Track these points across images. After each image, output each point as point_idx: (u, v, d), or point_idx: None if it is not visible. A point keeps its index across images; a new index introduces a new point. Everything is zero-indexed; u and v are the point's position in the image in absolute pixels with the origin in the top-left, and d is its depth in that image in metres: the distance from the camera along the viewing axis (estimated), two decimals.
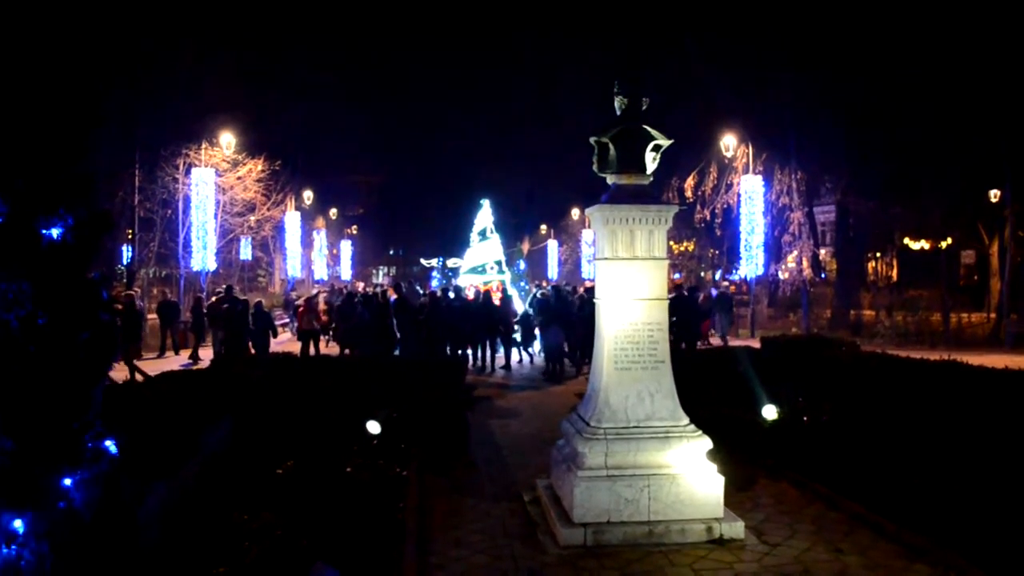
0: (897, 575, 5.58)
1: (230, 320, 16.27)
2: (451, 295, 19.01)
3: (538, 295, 18.57)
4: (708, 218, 27.68)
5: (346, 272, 49.27)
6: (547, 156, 49.39)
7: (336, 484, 6.75)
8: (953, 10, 21.56)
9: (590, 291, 19.18)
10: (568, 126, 38.61)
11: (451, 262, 29.87)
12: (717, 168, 26.73)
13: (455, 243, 37.41)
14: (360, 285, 34.31)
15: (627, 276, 6.58)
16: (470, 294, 19.32)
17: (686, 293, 18.11)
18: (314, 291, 26.59)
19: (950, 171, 24.13)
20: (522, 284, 25.24)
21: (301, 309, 17.79)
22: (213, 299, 19.12)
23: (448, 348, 16.69)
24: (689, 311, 17.12)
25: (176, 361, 18.12)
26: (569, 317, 16.54)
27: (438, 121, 61.15)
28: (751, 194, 25.20)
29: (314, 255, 42.28)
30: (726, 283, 23.59)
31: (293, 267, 36.90)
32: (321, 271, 43.34)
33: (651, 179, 6.80)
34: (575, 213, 46.80)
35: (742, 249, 25.92)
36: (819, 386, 9.86)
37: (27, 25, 3.62)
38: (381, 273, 75.28)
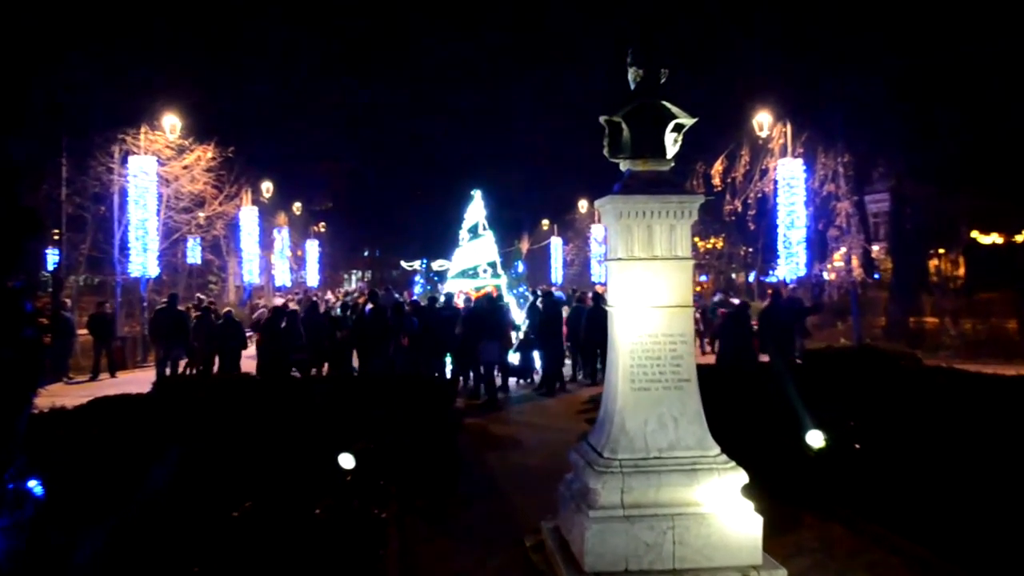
0: None
1: (272, 334, 16.27)
2: (439, 303, 19.05)
3: (476, 303, 18.55)
4: (739, 210, 27.70)
5: (312, 277, 49.27)
6: (550, 139, 49.44)
7: (303, 528, 6.74)
8: None
9: (548, 294, 19.33)
10: (575, 104, 38.67)
11: (437, 264, 29.83)
12: (750, 151, 26.76)
13: (441, 242, 37.41)
14: (341, 292, 34.34)
15: (645, 279, 6.59)
16: (459, 302, 19.33)
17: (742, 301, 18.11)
18: (278, 300, 26.56)
19: None
20: (520, 289, 25.22)
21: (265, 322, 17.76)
22: (157, 308, 19.21)
23: (436, 365, 16.74)
24: (778, 318, 16.92)
25: (112, 384, 18.11)
26: (503, 328, 16.58)
27: (421, 98, 61.16)
28: (790, 181, 25.22)
29: (275, 257, 42.25)
30: (791, 287, 23.49)
31: (250, 272, 36.86)
32: (283, 276, 43.33)
33: (672, 164, 6.82)
34: (583, 206, 46.85)
35: (780, 246, 25.92)
36: (874, 407, 9.86)
37: None
38: (354, 278, 75.28)
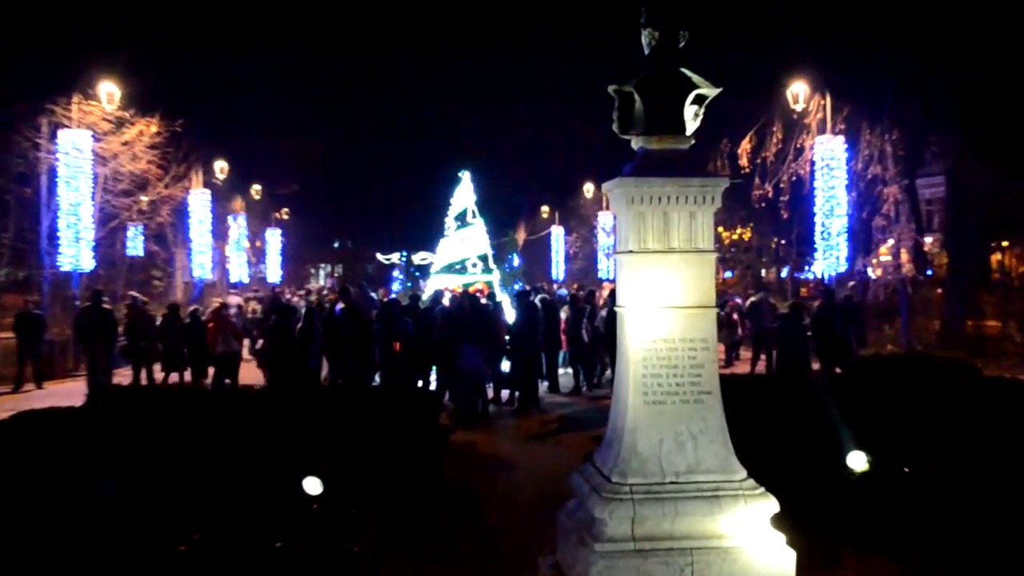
0: None
1: (283, 336, 16.26)
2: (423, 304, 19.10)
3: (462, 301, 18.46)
4: (770, 195, 27.70)
5: (274, 272, 49.24)
6: (550, 113, 49.51)
7: (261, 563, 6.73)
8: None
9: (522, 293, 19.27)
10: (580, 71, 38.72)
11: (418, 257, 29.89)
12: (783, 127, 26.76)
13: (424, 232, 37.46)
14: (301, 290, 34.30)
15: (660, 274, 6.59)
16: (447, 301, 19.36)
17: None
18: (232, 299, 26.57)
19: None
20: (516, 287, 25.24)
21: (211, 325, 17.83)
22: (81, 307, 19.30)
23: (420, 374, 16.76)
24: (835, 322, 16.82)
25: (38, 396, 18.07)
26: (488, 331, 16.49)
27: (402, 66, 61.21)
28: (829, 161, 25.24)
29: (230, 249, 42.23)
30: (852, 283, 23.52)
31: (201, 266, 36.82)
32: (240, 271, 43.31)
33: (692, 142, 6.82)
34: (588, 190, 46.90)
35: (817, 237, 25.95)
36: (926, 425, 9.87)
37: None
38: (322, 273, 75.30)
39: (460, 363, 16.01)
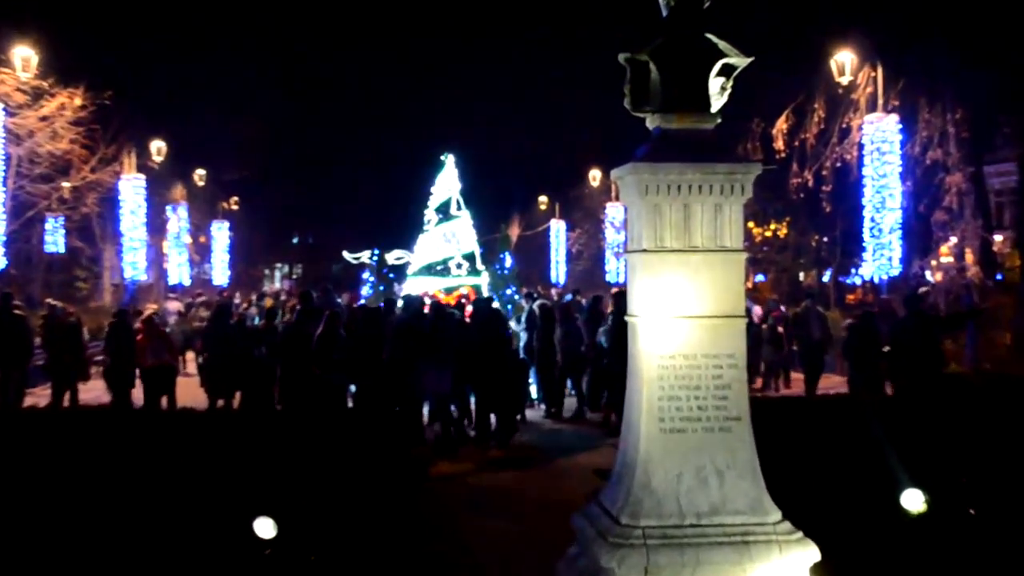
0: None
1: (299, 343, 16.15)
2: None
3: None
4: (811, 184, 27.76)
5: (220, 273, 49.15)
6: (550, 88, 49.49)
7: None
8: None
9: (484, 299, 19.20)
10: (585, 39, 38.72)
11: (392, 256, 29.73)
12: (826, 104, 26.82)
13: (400, 226, 37.46)
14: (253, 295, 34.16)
15: (680, 278, 6.60)
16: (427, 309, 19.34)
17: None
18: (172, 304, 26.51)
19: None
20: (509, 292, 25.21)
21: (140, 337, 17.78)
22: None
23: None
24: (925, 335, 16.81)
25: None
26: (463, 342, 16.30)
27: (374, 31, 61.09)
28: (880, 145, 25.29)
29: (168, 245, 42.15)
30: (925, 288, 23.26)
31: (133, 265, 36.72)
32: (180, 271, 43.21)
33: (719, 121, 6.83)
34: (595, 177, 46.89)
35: (866, 234, 25.99)
36: (995, 457, 9.88)
37: None
38: (278, 274, 75.20)
39: (425, 387, 15.63)
